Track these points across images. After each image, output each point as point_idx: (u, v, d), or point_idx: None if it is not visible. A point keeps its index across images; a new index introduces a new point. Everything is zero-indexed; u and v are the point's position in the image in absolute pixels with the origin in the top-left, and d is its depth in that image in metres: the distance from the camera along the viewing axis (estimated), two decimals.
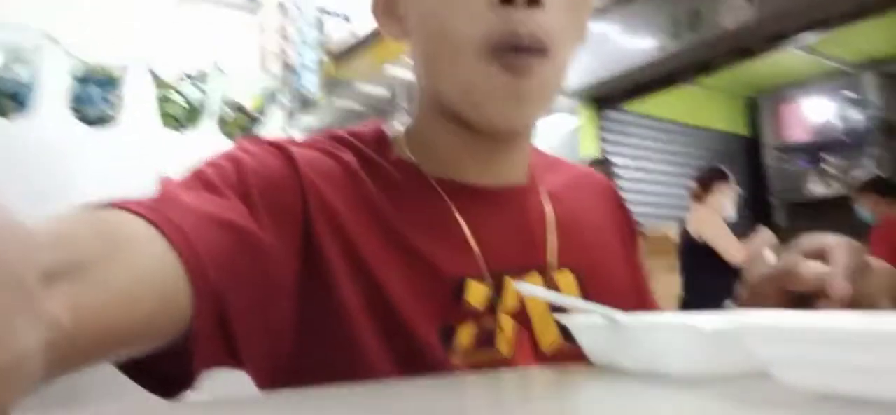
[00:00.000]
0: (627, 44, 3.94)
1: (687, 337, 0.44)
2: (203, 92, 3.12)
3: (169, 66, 3.02)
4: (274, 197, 0.56)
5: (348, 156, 0.63)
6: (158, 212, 0.46)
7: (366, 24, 4.28)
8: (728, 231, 3.36)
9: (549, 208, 0.69)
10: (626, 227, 0.78)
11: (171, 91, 3.06)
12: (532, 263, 0.65)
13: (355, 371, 0.56)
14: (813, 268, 0.55)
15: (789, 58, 4.68)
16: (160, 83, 3.01)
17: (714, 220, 3.40)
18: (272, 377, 0.58)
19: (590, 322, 0.52)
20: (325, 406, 0.39)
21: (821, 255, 0.56)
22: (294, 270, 0.56)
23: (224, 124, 3.21)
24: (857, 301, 0.53)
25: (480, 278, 0.61)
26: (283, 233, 0.55)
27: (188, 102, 3.11)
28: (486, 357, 0.60)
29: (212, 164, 0.57)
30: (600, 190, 0.79)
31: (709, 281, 3.21)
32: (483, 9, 0.56)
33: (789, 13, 3.26)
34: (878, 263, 0.55)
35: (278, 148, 0.60)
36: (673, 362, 0.44)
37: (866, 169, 4.75)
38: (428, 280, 0.60)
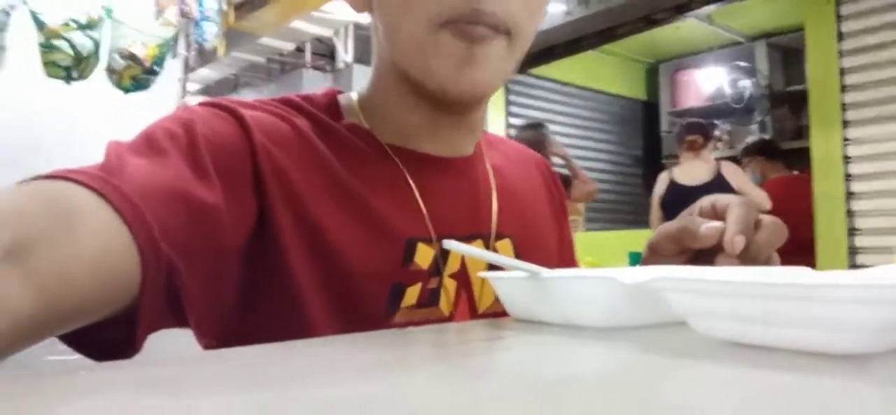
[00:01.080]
0: None
1: (607, 289, 0.44)
2: (92, 40, 2.93)
3: (54, 11, 2.81)
4: (225, 161, 0.55)
5: (301, 120, 0.63)
6: (107, 183, 0.45)
7: None
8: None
9: (492, 180, 0.72)
10: (557, 198, 0.83)
11: (57, 38, 2.86)
12: (477, 230, 0.68)
13: (298, 330, 0.56)
14: (709, 225, 0.57)
15: (688, 27, 4.87)
16: (44, 29, 2.80)
17: (741, 171, 3.81)
18: (217, 338, 0.57)
19: (510, 276, 0.53)
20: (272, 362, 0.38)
21: (716, 213, 0.60)
22: (244, 233, 0.56)
23: (114, 74, 3.03)
24: (749, 254, 0.56)
25: (428, 241, 0.64)
26: (234, 197, 0.54)
27: (75, 50, 2.91)
28: (426, 314, 0.62)
29: (162, 127, 0.55)
30: (534, 164, 0.83)
31: None
32: None
33: None
34: (767, 218, 0.58)
35: (230, 111, 0.59)
36: (593, 314, 0.45)
37: (753, 134, 5.04)
38: (381, 240, 0.61)
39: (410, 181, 0.65)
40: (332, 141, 0.63)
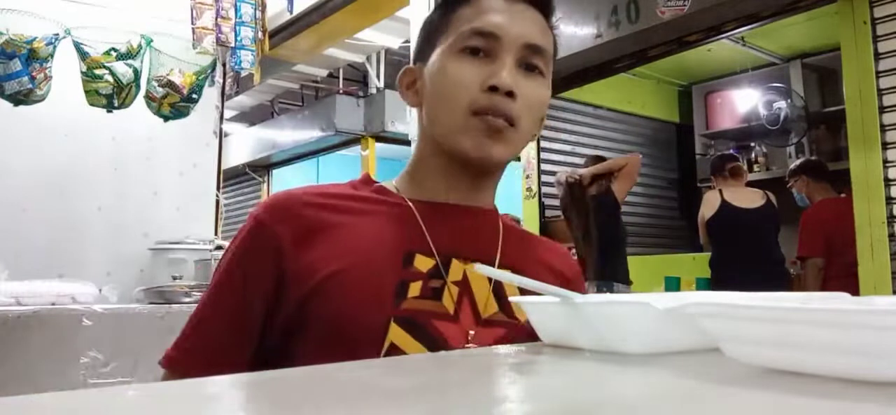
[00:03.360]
0: (568, 32, 3.98)
1: (641, 315, 0.45)
2: (132, 69, 3.01)
3: (96, 41, 2.89)
4: (254, 265, 0.79)
5: (324, 200, 0.82)
6: (169, 359, 0.80)
7: (304, 1, 4.19)
8: None
9: (501, 225, 0.90)
10: (575, 284, 0.94)
11: (99, 67, 2.94)
12: (478, 257, 0.80)
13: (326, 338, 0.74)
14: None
15: (721, 48, 4.83)
16: (86, 59, 2.88)
17: None
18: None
19: (543, 301, 0.53)
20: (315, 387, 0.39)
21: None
22: (276, 291, 0.77)
23: (153, 102, 3.10)
24: None
25: (428, 254, 0.80)
26: (260, 278, 0.78)
27: (116, 79, 2.98)
28: (432, 307, 0.77)
29: (222, 270, 0.81)
30: (554, 250, 1.00)
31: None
32: (477, 92, 0.82)
33: (723, 6, 3.35)
34: None
35: (254, 219, 0.81)
36: (627, 340, 0.45)
37: (789, 156, 4.96)
38: (382, 250, 0.79)
39: (418, 217, 0.84)
40: (351, 200, 0.84)
